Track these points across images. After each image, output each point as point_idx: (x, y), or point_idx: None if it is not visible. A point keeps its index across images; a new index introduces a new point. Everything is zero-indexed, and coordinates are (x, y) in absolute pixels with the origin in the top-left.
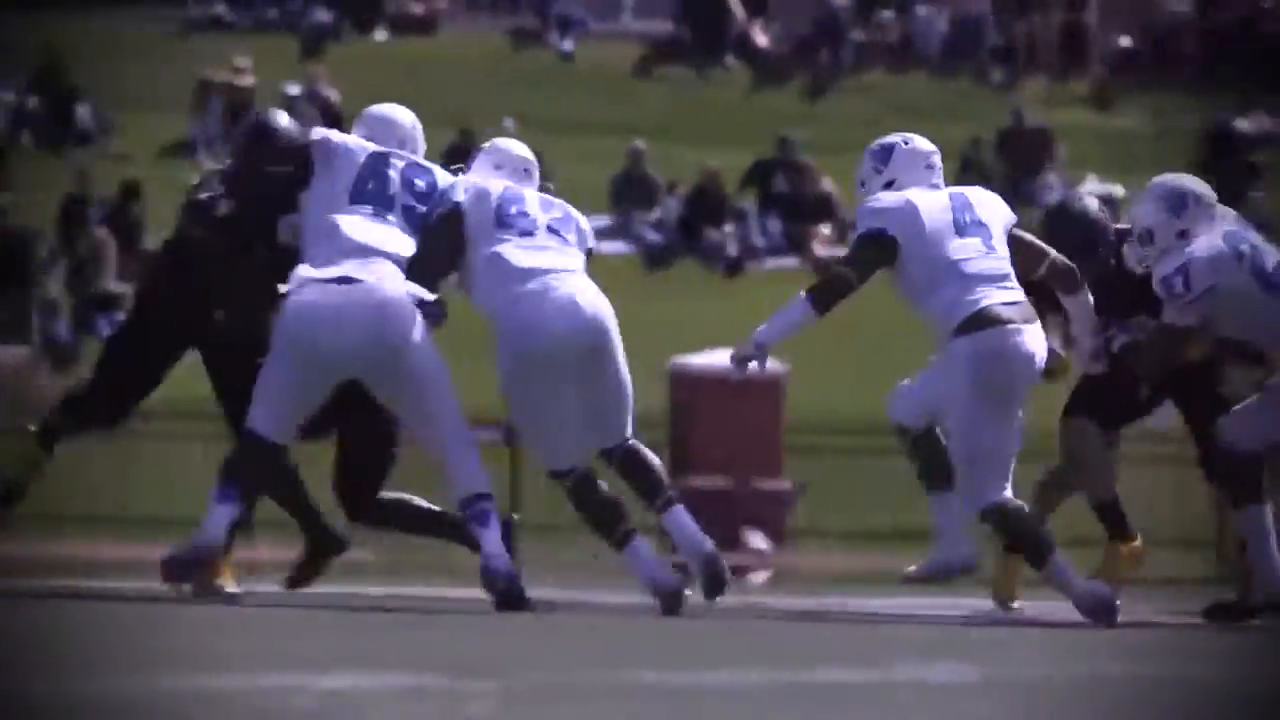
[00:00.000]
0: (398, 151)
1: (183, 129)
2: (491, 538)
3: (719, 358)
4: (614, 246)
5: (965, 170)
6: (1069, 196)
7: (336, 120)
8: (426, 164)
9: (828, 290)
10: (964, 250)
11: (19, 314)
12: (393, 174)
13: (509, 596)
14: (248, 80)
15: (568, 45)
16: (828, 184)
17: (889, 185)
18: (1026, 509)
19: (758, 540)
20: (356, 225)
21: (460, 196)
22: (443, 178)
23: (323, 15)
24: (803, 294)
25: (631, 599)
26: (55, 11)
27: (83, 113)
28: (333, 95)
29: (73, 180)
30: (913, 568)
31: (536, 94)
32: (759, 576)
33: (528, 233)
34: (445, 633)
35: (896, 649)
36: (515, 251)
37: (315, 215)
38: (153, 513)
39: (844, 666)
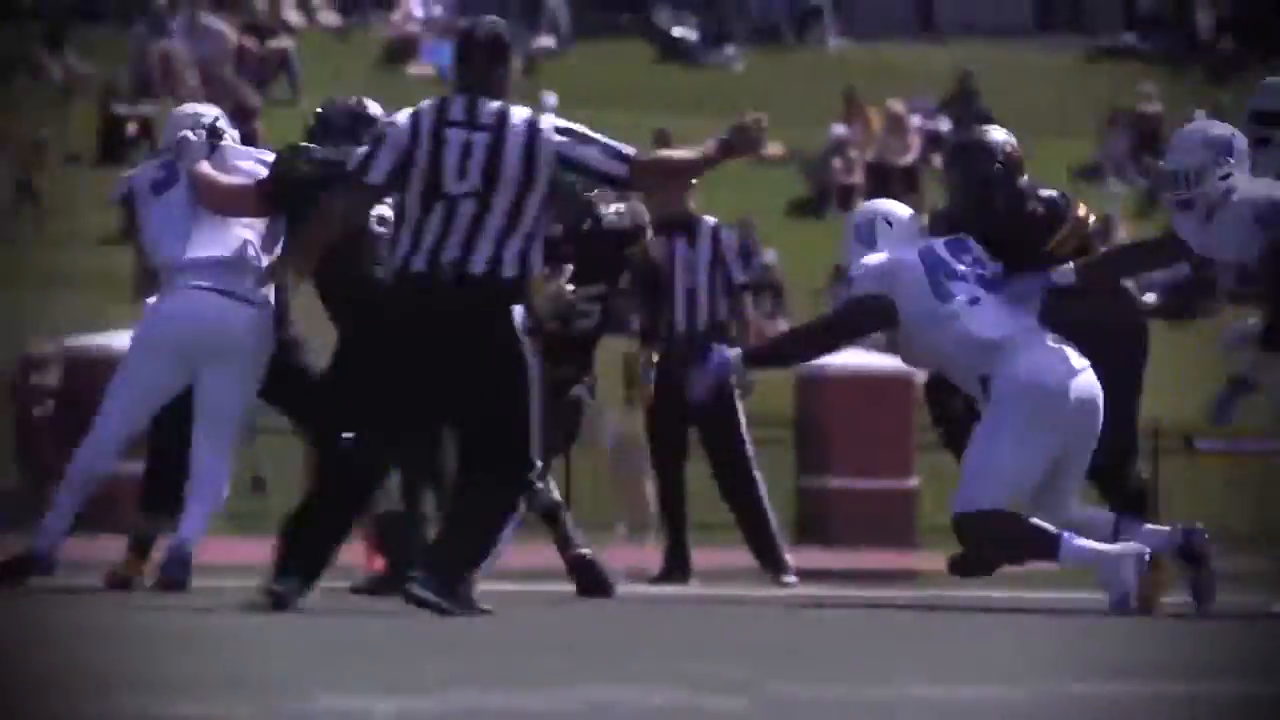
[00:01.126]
0: (945, 245)
1: (1092, 153)
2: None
3: None
4: None
5: None
6: None
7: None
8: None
9: None
10: None
11: None
12: (947, 257)
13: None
14: (1155, 107)
15: None
16: None
17: (1225, 179)
18: None
19: None
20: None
21: None
22: None
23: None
24: None
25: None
26: (957, 37)
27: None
28: None
29: None
30: None
31: None
32: None
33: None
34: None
35: None
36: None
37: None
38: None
39: None
